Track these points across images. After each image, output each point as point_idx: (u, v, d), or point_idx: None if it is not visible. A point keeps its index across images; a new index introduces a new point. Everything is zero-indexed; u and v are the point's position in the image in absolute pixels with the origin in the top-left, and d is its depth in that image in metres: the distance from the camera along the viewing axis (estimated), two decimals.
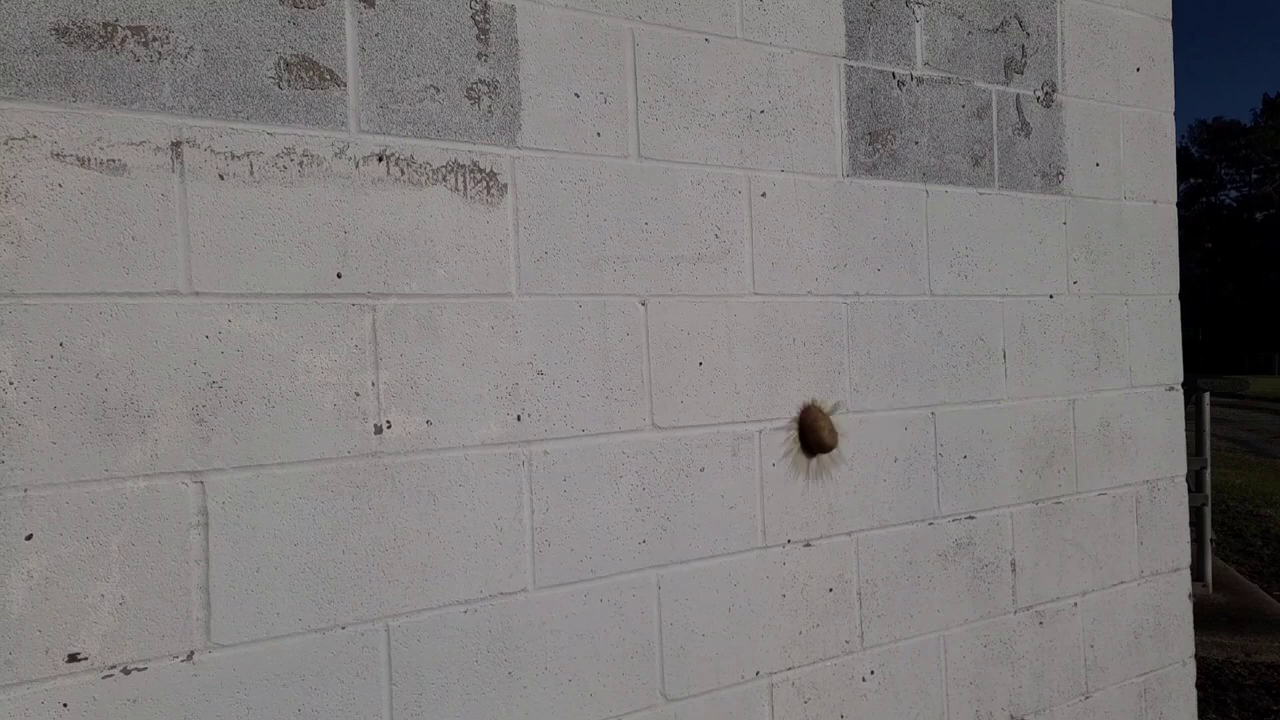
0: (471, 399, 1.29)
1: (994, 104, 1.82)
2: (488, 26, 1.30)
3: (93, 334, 1.05)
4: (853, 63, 1.64)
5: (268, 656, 1.14)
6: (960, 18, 1.78)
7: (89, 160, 1.05)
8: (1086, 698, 1.93)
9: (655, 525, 1.43)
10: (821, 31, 1.61)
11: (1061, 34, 1.92)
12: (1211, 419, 4.79)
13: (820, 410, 1.58)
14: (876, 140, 1.67)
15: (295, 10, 1.17)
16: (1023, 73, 1.86)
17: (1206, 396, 4.71)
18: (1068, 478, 1.92)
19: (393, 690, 1.22)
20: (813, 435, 1.56)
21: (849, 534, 1.63)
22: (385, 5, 1.23)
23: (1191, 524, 2.20)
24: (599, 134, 1.39)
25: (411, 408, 1.24)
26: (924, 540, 1.71)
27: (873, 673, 1.64)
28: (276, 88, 1.16)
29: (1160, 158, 2.08)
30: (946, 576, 1.74)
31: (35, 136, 1.03)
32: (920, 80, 1.72)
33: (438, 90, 1.27)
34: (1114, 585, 1.98)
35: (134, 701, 1.07)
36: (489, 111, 1.31)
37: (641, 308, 1.43)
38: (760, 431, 1.53)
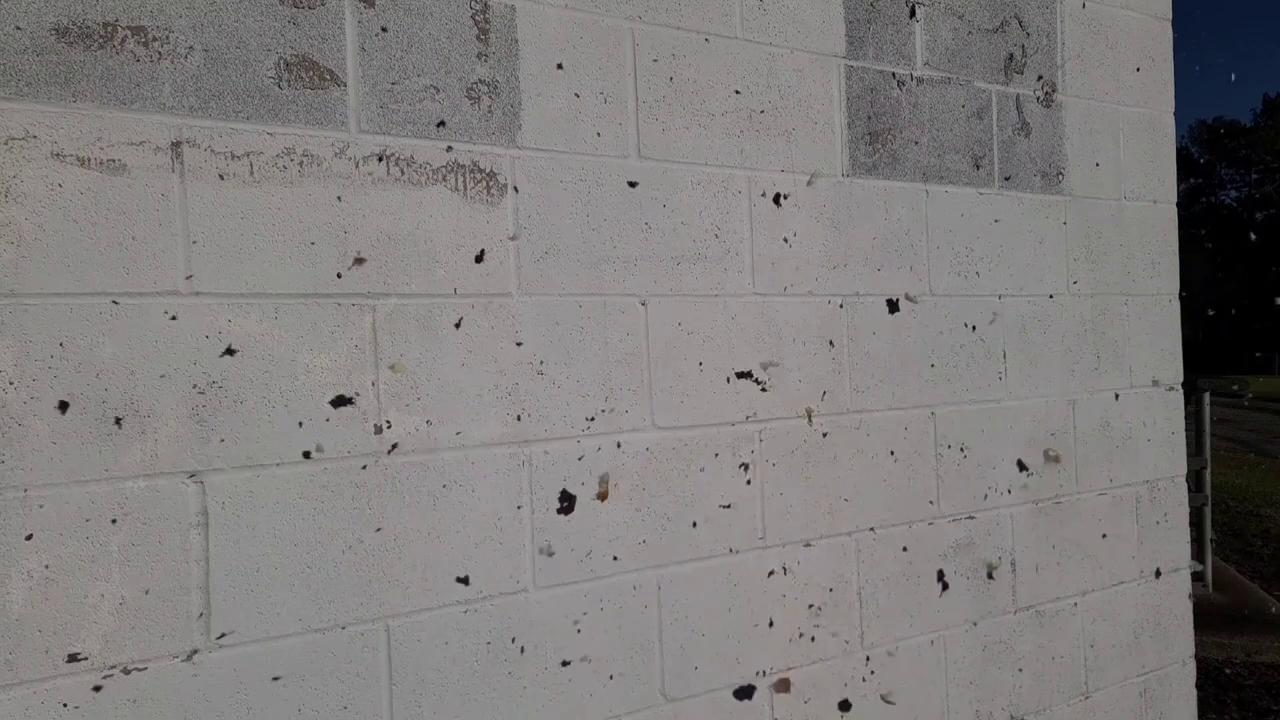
0: (471, 399, 1.29)
1: (994, 104, 1.82)
2: (488, 26, 1.30)
3: (93, 334, 1.05)
4: (853, 63, 1.64)
5: (268, 656, 1.15)
6: (960, 18, 1.78)
7: (89, 160, 1.05)
8: (1086, 698, 1.93)
9: (655, 525, 1.43)
10: (821, 31, 1.61)
11: (1061, 34, 1.92)
12: (1211, 419, 4.79)
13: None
14: (876, 140, 1.67)
15: (295, 10, 1.17)
16: (1023, 73, 1.86)
17: (1206, 396, 4.70)
18: (1068, 478, 1.92)
19: (393, 690, 1.22)
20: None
21: (849, 534, 1.63)
22: (385, 5, 1.23)
23: (1191, 524, 2.20)
24: (599, 134, 1.39)
25: (411, 408, 1.24)
26: (924, 540, 1.71)
27: (873, 673, 1.64)
28: (276, 88, 1.16)
29: (1160, 158, 2.08)
30: (946, 576, 1.74)
31: (35, 136, 1.03)
32: (920, 80, 1.72)
33: (438, 90, 1.27)
34: (1114, 585, 1.98)
35: (134, 701, 1.07)
36: (489, 111, 1.31)
37: (642, 308, 1.43)
38: (760, 432, 1.53)
